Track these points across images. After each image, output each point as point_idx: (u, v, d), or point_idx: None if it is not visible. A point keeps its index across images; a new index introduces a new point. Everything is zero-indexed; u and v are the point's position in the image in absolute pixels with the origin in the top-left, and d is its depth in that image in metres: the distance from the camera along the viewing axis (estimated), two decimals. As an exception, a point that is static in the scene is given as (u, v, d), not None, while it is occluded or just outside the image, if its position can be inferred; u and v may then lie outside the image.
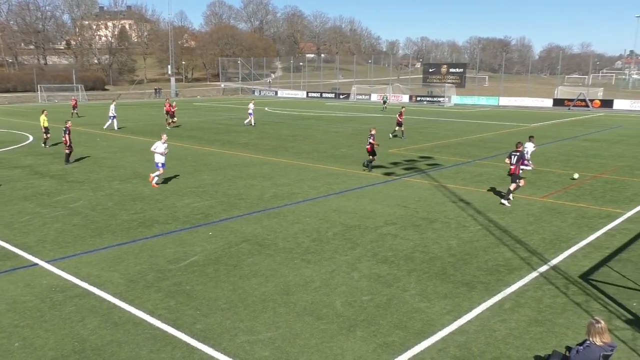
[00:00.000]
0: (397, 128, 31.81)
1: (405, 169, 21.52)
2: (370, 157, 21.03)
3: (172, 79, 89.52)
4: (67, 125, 22.90)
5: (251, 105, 39.90)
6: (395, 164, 22.60)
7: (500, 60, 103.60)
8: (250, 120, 39.22)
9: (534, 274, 10.40)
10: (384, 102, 59.82)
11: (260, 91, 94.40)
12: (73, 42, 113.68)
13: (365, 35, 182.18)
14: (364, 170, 20.90)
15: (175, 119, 38.72)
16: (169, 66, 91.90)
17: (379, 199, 16.51)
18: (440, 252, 11.69)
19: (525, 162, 17.54)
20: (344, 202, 16.14)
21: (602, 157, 24.95)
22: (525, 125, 40.23)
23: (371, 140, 20.67)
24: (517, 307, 8.96)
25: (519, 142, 16.53)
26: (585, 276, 10.31)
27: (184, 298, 9.27)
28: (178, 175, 20.08)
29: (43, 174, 20.49)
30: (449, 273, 10.44)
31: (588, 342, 5.97)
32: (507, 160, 16.21)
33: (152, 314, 8.66)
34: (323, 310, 8.81)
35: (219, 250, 11.72)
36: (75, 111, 46.91)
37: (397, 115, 31.93)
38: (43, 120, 27.47)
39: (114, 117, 36.42)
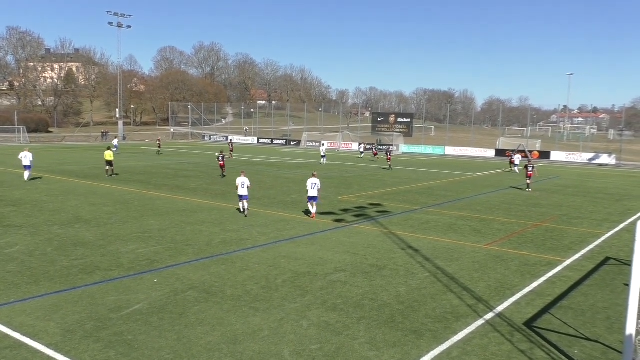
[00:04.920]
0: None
1: (355, 215, 21.71)
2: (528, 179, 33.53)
3: (120, 123, 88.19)
4: (222, 154, 34.52)
5: (27, 154, 30.53)
6: (345, 210, 22.78)
7: (445, 111, 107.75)
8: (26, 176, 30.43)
9: (480, 322, 10.55)
10: (375, 149, 60.55)
11: (210, 136, 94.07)
12: (16, 83, 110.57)
13: (315, 84, 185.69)
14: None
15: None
16: (117, 109, 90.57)
17: (328, 245, 16.51)
18: (389, 299, 11.72)
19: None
20: (293, 248, 16.04)
21: (542, 206, 25.96)
22: (469, 174, 41.55)
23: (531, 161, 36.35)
24: (464, 355, 9.02)
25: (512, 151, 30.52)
26: (529, 323, 10.53)
27: (125, 348, 8.86)
28: (123, 221, 19.51)
29: (-23, 217, 19.49)
30: (397, 321, 10.45)
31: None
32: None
33: (90, 366, 8.22)
34: (271, 360, 8.60)
35: (164, 298, 11.35)
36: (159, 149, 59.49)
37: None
38: (109, 155, 33.07)
39: (324, 156, 46.00)
